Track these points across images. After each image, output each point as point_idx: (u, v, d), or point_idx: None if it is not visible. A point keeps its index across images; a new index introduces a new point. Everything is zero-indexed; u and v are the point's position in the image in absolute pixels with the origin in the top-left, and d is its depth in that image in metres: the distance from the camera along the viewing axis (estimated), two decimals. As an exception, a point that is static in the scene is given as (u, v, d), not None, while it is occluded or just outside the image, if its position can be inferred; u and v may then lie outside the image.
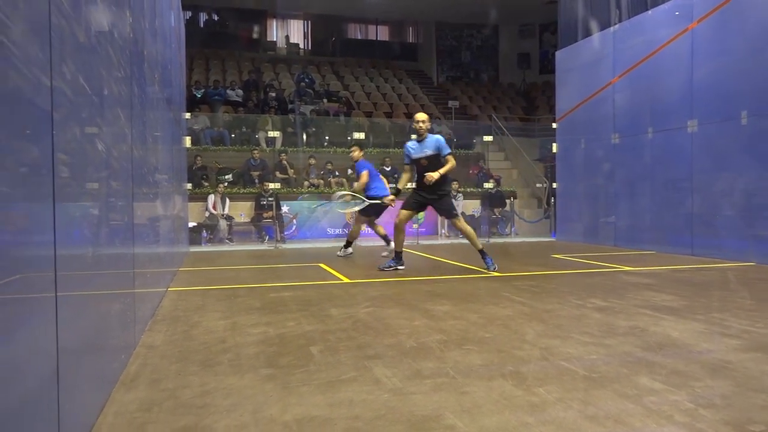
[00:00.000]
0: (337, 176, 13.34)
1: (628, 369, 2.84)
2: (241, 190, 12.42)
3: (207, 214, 11.63)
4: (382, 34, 23.95)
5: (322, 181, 13.28)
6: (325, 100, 17.18)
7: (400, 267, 6.78)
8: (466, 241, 6.90)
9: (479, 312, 4.24)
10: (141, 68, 3.64)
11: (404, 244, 6.93)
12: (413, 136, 6.75)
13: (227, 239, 11.46)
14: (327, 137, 15.00)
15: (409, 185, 7.14)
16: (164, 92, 5.30)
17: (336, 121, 15.82)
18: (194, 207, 11.33)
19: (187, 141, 9.72)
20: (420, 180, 6.60)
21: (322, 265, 7.23)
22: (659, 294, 4.99)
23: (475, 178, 14.41)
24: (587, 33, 11.01)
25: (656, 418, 2.23)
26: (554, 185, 12.01)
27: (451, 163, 6.54)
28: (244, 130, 14.62)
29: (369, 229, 11.93)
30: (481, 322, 3.90)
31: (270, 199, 11.70)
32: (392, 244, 7.57)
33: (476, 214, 13.35)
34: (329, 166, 13.48)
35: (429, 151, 6.54)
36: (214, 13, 21.83)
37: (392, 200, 7.39)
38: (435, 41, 23.08)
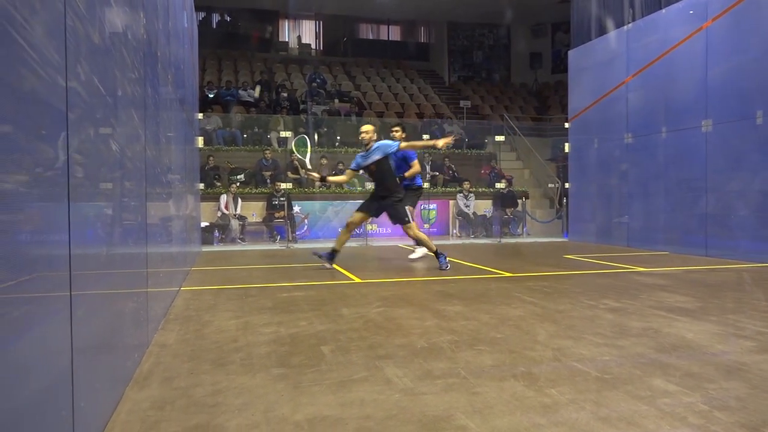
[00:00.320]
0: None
1: (641, 370, 2.82)
2: (253, 190, 12.47)
3: (219, 213, 11.69)
4: (394, 34, 23.94)
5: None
6: (336, 101, 17.21)
7: (327, 266, 6.82)
8: (477, 241, 6.93)
9: (491, 312, 4.23)
10: (154, 69, 3.66)
11: (414, 244, 6.93)
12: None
13: (239, 239, 11.51)
14: (338, 137, 15.03)
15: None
16: (177, 93, 5.33)
17: (347, 121, 15.83)
18: (206, 207, 11.39)
19: (200, 141, 9.77)
20: (375, 186, 6.92)
21: (333, 265, 7.24)
22: (673, 295, 4.95)
23: (486, 178, 14.36)
24: (600, 32, 10.95)
25: (670, 420, 2.21)
26: (566, 185, 11.94)
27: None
28: (256, 130, 14.69)
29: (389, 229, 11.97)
30: (493, 323, 3.88)
31: (282, 199, 11.74)
32: (419, 248, 7.67)
33: (488, 214, 13.31)
34: (341, 166, 13.49)
35: (376, 157, 6.76)
36: (226, 14, 21.94)
37: (317, 179, 7.23)
38: (447, 41, 23.04)
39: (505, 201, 13.19)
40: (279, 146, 13.99)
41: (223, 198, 11.74)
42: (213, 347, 3.32)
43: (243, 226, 11.72)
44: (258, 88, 16.64)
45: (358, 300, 4.83)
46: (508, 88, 22.45)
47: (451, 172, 14.14)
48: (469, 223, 12.96)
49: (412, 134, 15.40)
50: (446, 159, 14.40)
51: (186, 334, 3.64)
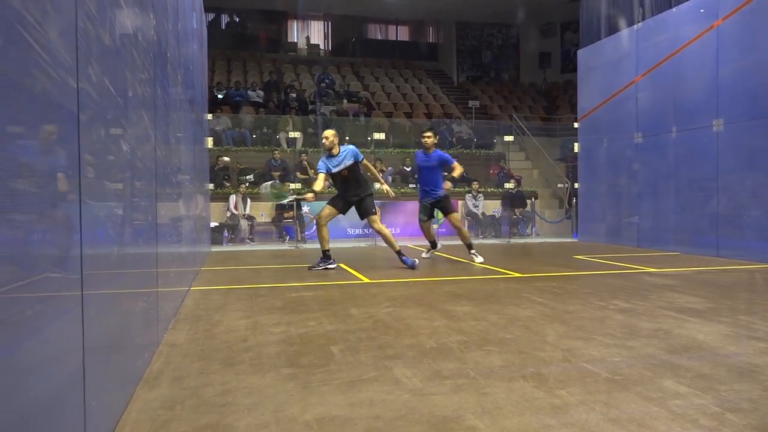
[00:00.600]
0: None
1: (651, 372, 2.80)
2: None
3: (228, 214, 11.73)
4: (403, 34, 23.95)
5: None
6: (345, 101, 17.23)
7: (331, 267, 6.91)
8: (486, 241, 6.91)
9: (500, 313, 4.22)
10: (164, 70, 3.68)
11: (424, 244, 6.92)
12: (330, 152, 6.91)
13: (248, 239, 11.55)
14: (347, 138, 15.03)
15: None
16: (187, 93, 5.35)
17: (356, 122, 15.85)
18: (216, 207, 11.43)
19: (209, 142, 9.81)
20: (343, 189, 6.97)
21: (342, 265, 7.25)
22: (683, 296, 4.92)
23: (495, 179, 14.33)
24: (610, 31, 10.89)
25: (681, 422, 2.19)
26: (576, 185, 11.89)
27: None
28: (265, 130, 14.73)
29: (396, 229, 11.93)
30: (502, 323, 3.87)
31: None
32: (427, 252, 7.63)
33: (497, 215, 13.28)
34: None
35: (348, 162, 6.84)
36: (235, 14, 22.03)
37: (312, 197, 6.91)
38: (455, 41, 23.01)
39: (514, 201, 13.15)
40: (288, 147, 14.03)
41: (233, 198, 11.78)
42: (223, 347, 3.33)
43: (252, 227, 11.76)
44: (261, 93, 16.68)
45: (367, 300, 4.83)
46: (517, 87, 22.39)
47: (459, 172, 14.10)
48: (478, 224, 12.93)
49: (420, 135, 15.45)
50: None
51: (196, 334, 3.66)
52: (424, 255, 8.12)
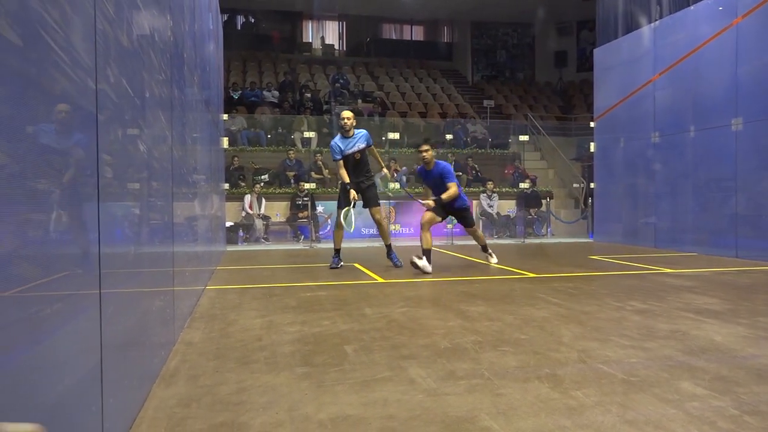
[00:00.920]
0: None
1: (668, 373, 2.77)
2: (277, 190, 12.56)
3: (243, 213, 11.80)
4: (417, 34, 23.92)
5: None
6: (359, 101, 17.25)
7: (340, 265, 7.06)
8: (501, 241, 6.89)
9: (515, 313, 4.20)
10: (181, 71, 3.71)
11: (436, 244, 6.92)
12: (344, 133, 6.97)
13: (263, 239, 11.61)
14: (362, 137, 15.06)
15: None
16: (203, 94, 5.39)
17: (370, 122, 15.85)
18: (231, 207, 11.51)
19: (225, 142, 9.87)
20: (353, 173, 6.91)
21: (356, 265, 7.26)
22: (701, 297, 4.86)
23: (510, 178, 14.26)
24: (627, 30, 10.79)
25: (699, 425, 2.17)
26: (592, 185, 11.80)
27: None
28: (280, 130, 14.80)
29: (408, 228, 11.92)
30: (517, 324, 3.86)
31: (305, 199, 11.81)
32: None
33: (511, 215, 13.22)
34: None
35: (361, 145, 6.93)
36: (251, 15, 22.14)
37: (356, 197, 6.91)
38: (470, 40, 22.93)
39: (528, 201, 13.08)
40: (303, 147, 14.08)
41: (248, 198, 11.85)
42: (238, 346, 3.36)
43: (267, 226, 11.82)
44: (276, 93, 16.76)
45: (381, 300, 4.83)
46: (532, 87, 22.26)
47: (474, 171, 14.07)
48: (493, 224, 12.88)
49: (434, 134, 15.45)
50: (469, 159, 14.34)
51: (211, 333, 3.68)
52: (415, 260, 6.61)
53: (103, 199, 1.80)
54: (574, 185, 14.85)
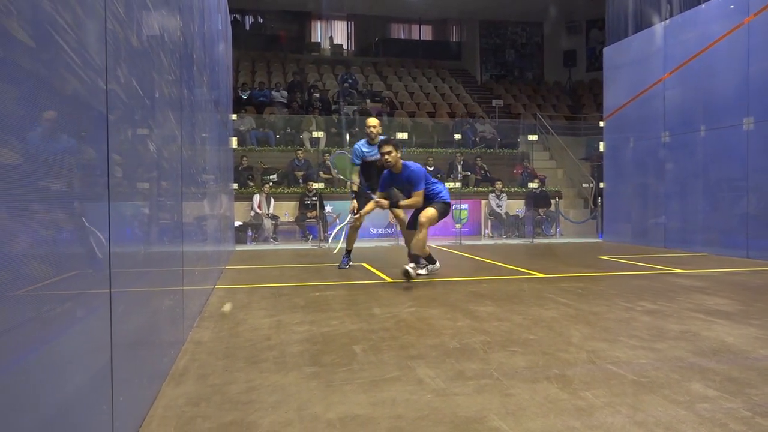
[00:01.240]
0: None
1: (679, 374, 2.75)
2: (286, 190, 12.59)
3: (252, 213, 11.84)
4: (425, 33, 23.89)
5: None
6: (368, 101, 17.26)
7: (349, 265, 7.06)
8: (510, 241, 6.85)
9: (523, 313, 4.19)
10: (190, 71, 3.73)
11: (444, 244, 6.89)
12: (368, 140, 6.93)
13: (272, 238, 11.64)
14: (371, 137, 15.07)
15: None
16: (212, 94, 5.41)
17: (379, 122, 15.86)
18: (240, 206, 11.55)
19: (234, 142, 9.91)
20: (369, 178, 6.85)
21: (365, 265, 7.27)
22: (712, 297, 4.82)
23: (519, 178, 14.22)
24: (637, 28, 10.74)
25: (710, 426, 2.15)
26: (601, 185, 11.74)
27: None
28: (288, 130, 14.83)
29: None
30: (526, 324, 3.84)
31: (314, 198, 11.84)
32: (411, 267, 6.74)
33: (520, 215, 13.18)
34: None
35: None
36: (259, 15, 22.20)
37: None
38: (479, 40, 22.87)
39: (537, 201, 13.04)
40: (311, 146, 14.10)
41: (256, 198, 11.89)
42: (247, 345, 3.36)
43: (275, 226, 11.84)
44: (285, 93, 16.81)
45: (389, 300, 4.83)
46: (541, 86, 22.18)
47: (483, 171, 14.04)
48: (502, 224, 12.85)
49: (443, 134, 15.42)
50: (478, 159, 14.31)
51: (221, 332, 3.70)
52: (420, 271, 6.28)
53: (113, 198, 1.81)
54: (584, 185, 14.78)
